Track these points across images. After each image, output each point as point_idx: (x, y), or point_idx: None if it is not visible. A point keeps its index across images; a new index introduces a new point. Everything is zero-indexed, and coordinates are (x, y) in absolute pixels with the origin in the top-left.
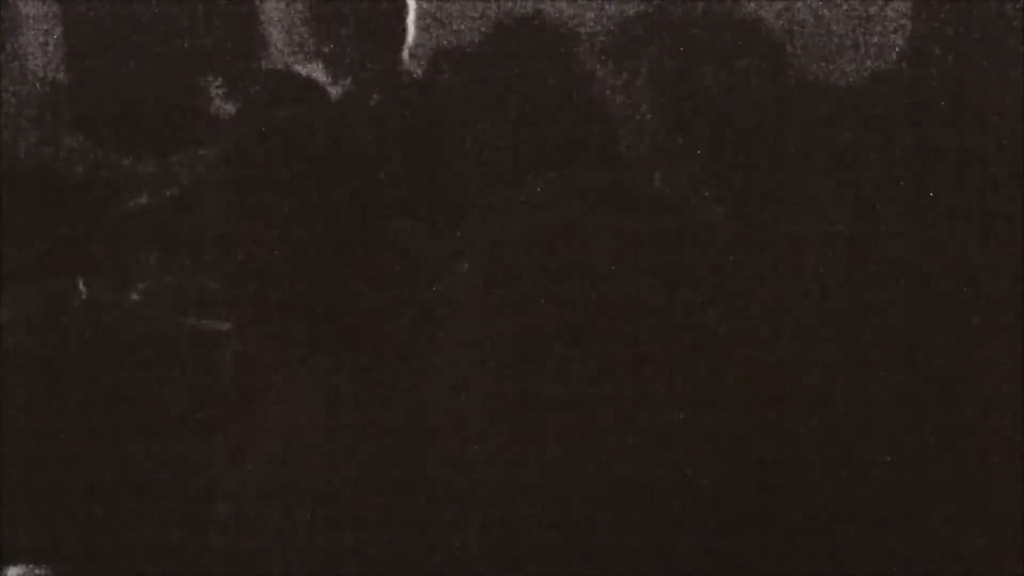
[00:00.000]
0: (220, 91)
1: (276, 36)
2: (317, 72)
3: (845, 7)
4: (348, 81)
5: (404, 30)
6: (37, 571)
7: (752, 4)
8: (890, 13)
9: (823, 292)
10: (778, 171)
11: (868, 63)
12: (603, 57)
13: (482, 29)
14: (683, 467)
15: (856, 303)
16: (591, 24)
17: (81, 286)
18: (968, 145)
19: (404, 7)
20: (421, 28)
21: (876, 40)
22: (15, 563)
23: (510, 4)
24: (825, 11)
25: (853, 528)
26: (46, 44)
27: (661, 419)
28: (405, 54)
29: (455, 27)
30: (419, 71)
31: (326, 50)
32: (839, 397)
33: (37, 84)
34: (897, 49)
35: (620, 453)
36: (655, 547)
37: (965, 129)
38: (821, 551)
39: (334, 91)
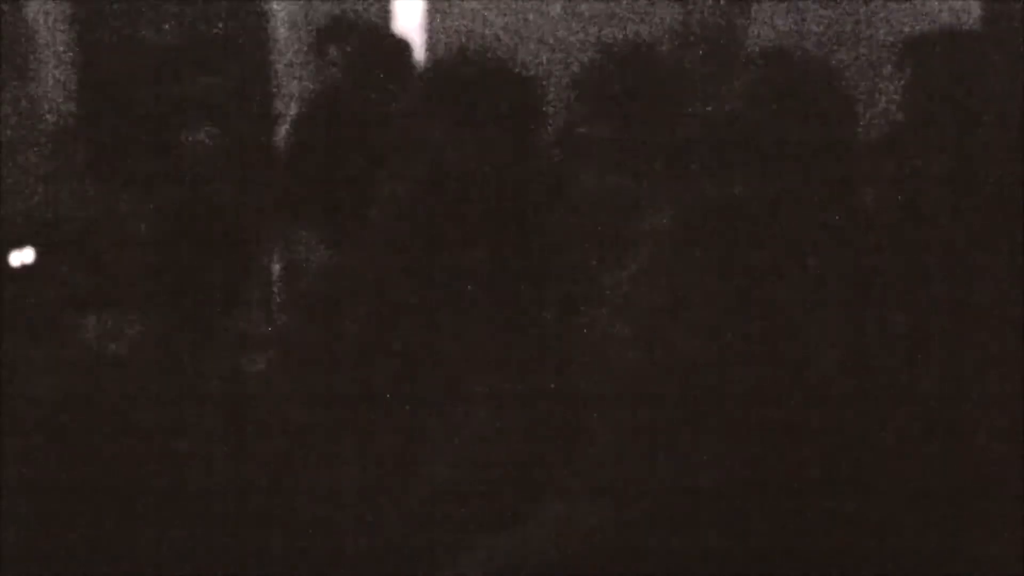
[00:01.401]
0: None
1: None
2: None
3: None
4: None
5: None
6: None
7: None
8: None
9: (824, 292)
10: (772, 171)
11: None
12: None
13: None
14: (683, 467)
15: (857, 303)
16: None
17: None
18: (969, 145)
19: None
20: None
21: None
22: None
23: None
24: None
25: (853, 528)
26: (58, 78)
27: (661, 418)
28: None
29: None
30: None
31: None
32: (839, 397)
33: (48, 117)
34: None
35: (624, 454)
36: (659, 548)
37: (965, 129)
38: (821, 551)
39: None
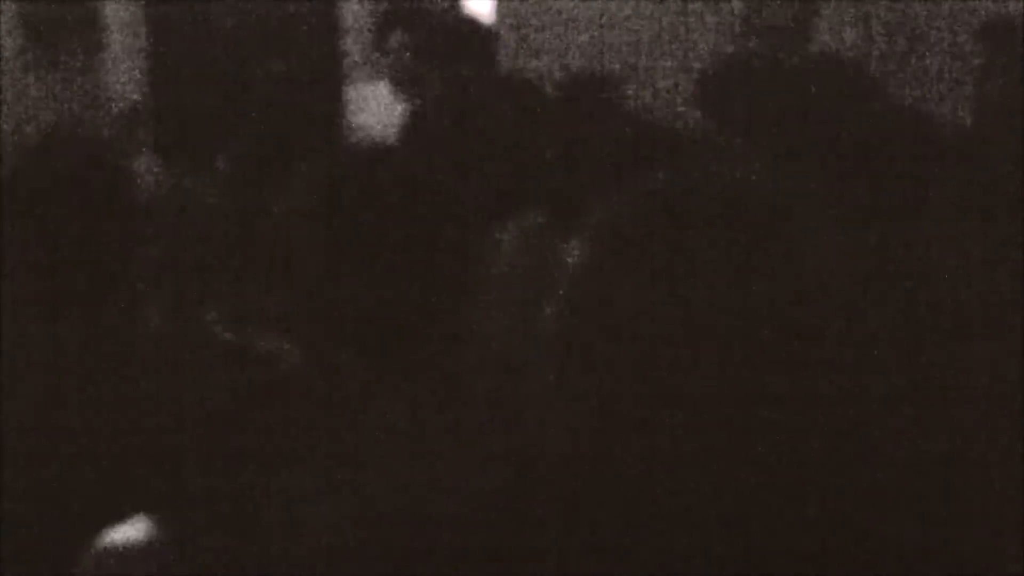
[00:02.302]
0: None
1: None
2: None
3: None
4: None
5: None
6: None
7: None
8: None
9: (824, 291)
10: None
11: None
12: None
13: None
14: (682, 467)
15: (857, 304)
16: None
17: (151, 308)
18: (967, 144)
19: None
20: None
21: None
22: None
23: None
24: None
25: (853, 528)
26: (130, 68)
27: (662, 417)
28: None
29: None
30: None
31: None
32: (838, 397)
33: (117, 107)
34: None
35: (622, 451)
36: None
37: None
38: (820, 551)
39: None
